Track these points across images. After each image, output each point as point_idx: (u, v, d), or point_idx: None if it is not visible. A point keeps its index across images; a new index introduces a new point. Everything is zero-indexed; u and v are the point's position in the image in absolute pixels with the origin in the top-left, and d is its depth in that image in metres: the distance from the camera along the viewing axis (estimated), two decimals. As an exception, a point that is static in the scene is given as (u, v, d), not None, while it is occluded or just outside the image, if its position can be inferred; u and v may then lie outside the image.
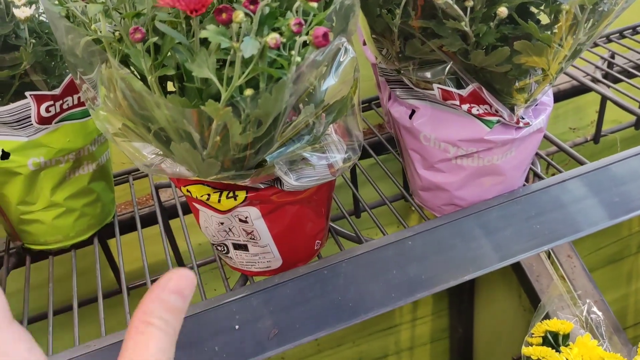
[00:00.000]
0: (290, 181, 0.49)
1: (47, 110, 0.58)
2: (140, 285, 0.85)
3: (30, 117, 0.57)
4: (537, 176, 0.65)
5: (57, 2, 0.46)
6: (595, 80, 0.85)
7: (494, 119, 0.52)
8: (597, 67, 0.90)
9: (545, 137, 0.67)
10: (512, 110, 0.52)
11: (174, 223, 0.81)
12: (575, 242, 0.90)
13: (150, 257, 0.68)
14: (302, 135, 0.47)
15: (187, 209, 0.65)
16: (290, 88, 0.38)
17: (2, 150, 0.58)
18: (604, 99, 0.86)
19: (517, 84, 0.49)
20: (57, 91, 0.58)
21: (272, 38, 0.35)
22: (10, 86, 0.56)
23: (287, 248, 0.58)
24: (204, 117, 0.39)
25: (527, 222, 0.60)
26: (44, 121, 0.58)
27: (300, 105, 0.43)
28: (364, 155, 0.79)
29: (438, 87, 0.51)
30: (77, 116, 0.60)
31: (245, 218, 0.54)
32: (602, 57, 0.91)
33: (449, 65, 0.50)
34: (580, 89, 0.94)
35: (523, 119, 0.53)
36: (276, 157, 0.45)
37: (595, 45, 0.93)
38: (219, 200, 0.52)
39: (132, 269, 0.88)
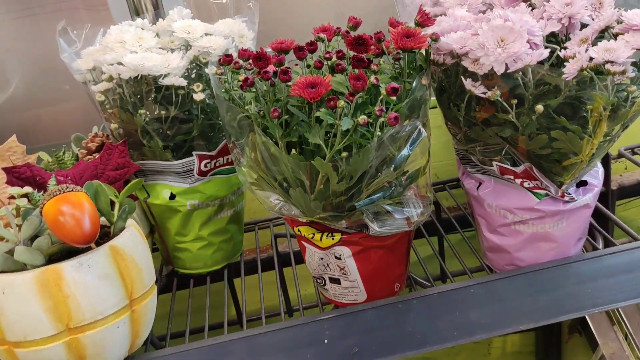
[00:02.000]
0: (374, 227, 0.65)
1: (205, 166, 0.79)
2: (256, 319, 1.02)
3: (193, 170, 0.79)
4: (594, 247, 0.75)
5: (224, 90, 0.67)
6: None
7: (543, 192, 0.65)
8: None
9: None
10: (559, 186, 0.65)
11: (286, 272, 0.97)
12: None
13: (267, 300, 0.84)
14: (385, 190, 0.63)
15: (298, 259, 0.81)
16: (373, 154, 0.55)
17: (171, 193, 0.80)
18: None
19: (560, 165, 0.62)
20: (213, 152, 0.79)
21: (362, 118, 0.52)
22: (183, 147, 0.78)
23: (371, 285, 0.72)
24: (314, 170, 0.57)
25: (580, 285, 0.70)
26: (202, 174, 0.79)
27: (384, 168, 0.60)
28: (452, 229, 0.93)
29: (497, 164, 0.66)
30: (224, 172, 0.81)
31: (340, 255, 0.70)
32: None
33: (505, 148, 0.64)
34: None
35: (569, 194, 0.65)
36: (363, 205, 0.61)
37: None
38: (321, 239, 0.68)
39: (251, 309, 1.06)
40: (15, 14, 1.12)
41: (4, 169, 0.70)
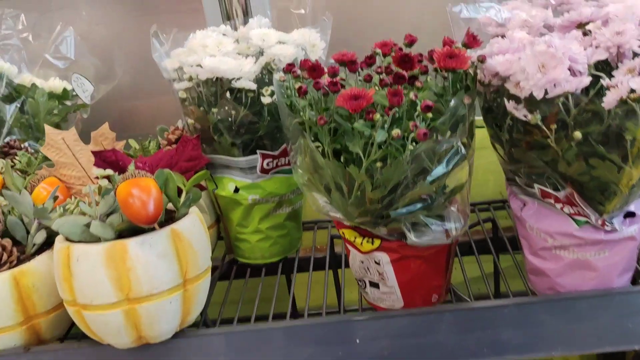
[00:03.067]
0: (411, 237, 0.68)
1: (267, 165, 0.86)
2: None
3: (256, 167, 0.85)
4: (641, 281, 0.73)
5: (286, 96, 0.73)
6: None
7: (583, 219, 0.65)
8: None
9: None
10: (600, 214, 0.64)
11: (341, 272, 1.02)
12: None
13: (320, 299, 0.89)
14: (424, 202, 0.66)
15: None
16: (406, 166, 0.58)
17: (236, 187, 0.87)
18: None
19: (601, 193, 0.62)
20: (276, 152, 0.85)
21: (395, 132, 0.56)
22: (249, 145, 0.85)
23: (408, 293, 0.75)
24: (351, 176, 0.61)
25: (621, 319, 0.69)
26: (264, 171, 0.86)
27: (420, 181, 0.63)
28: (505, 249, 0.93)
29: (539, 187, 0.66)
30: (285, 171, 0.87)
31: (379, 261, 0.73)
32: None
33: (547, 171, 0.65)
34: None
35: (611, 224, 0.65)
36: (399, 214, 0.65)
37: None
38: (362, 243, 0.72)
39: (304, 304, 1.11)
40: (130, 14, 1.26)
41: (93, 153, 0.80)
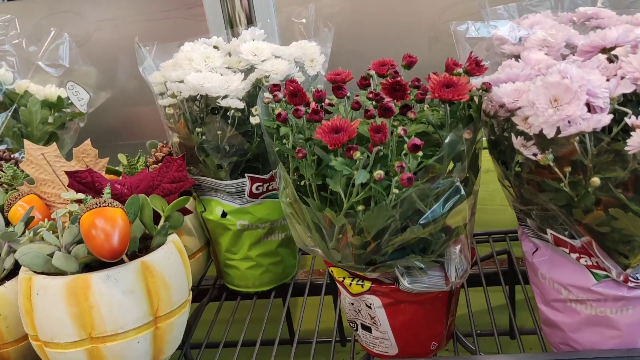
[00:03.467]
0: (404, 283, 0.60)
1: (256, 189, 0.79)
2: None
3: (244, 191, 0.78)
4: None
5: (271, 119, 0.66)
6: None
7: (602, 272, 0.56)
8: None
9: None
10: (623, 268, 0.55)
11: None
12: None
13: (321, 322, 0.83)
14: (422, 249, 0.58)
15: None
16: (390, 211, 0.50)
17: (223, 211, 0.80)
18: None
19: (624, 244, 0.53)
20: (266, 176, 0.78)
21: (378, 173, 0.48)
22: (237, 168, 0.78)
23: (403, 340, 0.67)
24: (331, 220, 0.53)
25: (645, 385, 0.60)
26: (253, 196, 0.79)
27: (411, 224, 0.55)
28: (519, 281, 0.85)
29: (551, 233, 0.58)
30: (276, 196, 0.80)
31: (370, 304, 0.65)
32: None
33: (561, 216, 0.56)
34: None
35: (635, 279, 0.56)
36: (387, 260, 0.57)
37: None
38: (350, 285, 0.65)
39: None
40: (130, 19, 1.20)
41: (67, 173, 0.74)
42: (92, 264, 0.65)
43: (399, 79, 0.52)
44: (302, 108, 0.56)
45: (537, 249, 0.63)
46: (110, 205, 0.63)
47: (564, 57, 0.64)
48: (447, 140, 0.50)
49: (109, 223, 0.62)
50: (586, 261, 0.56)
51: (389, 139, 0.48)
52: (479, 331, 0.78)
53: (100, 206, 0.63)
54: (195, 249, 0.85)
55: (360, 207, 0.51)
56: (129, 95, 1.28)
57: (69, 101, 1.05)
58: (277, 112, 0.58)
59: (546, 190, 0.54)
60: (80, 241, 0.66)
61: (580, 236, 0.56)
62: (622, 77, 0.49)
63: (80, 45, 1.15)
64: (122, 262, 0.64)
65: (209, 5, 1.04)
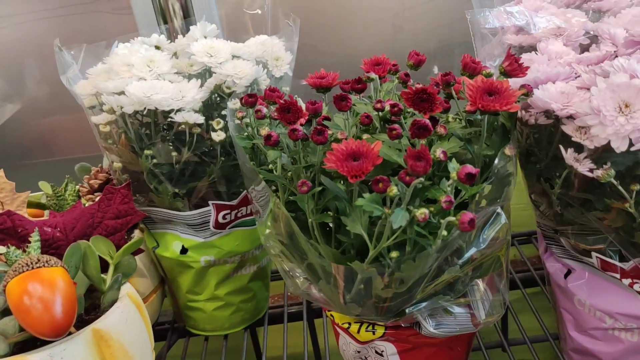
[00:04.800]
0: (429, 327, 0.50)
1: (223, 218, 0.65)
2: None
3: (209, 222, 0.65)
4: None
5: (246, 136, 0.53)
6: None
7: (659, 299, 0.48)
8: None
9: None
10: (683, 293, 0.48)
11: (318, 321, 0.83)
12: None
13: (294, 347, 0.71)
14: (447, 287, 0.48)
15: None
16: (434, 257, 0.39)
17: (183, 246, 0.67)
18: None
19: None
20: (234, 202, 0.65)
21: (422, 213, 0.37)
22: (198, 194, 0.64)
23: (419, 386, 0.57)
24: (351, 271, 0.42)
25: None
26: (219, 226, 0.66)
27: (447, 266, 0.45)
28: (512, 286, 0.77)
29: (597, 257, 0.49)
30: (248, 223, 0.67)
31: (382, 352, 0.55)
32: None
33: (611, 236, 0.47)
34: None
35: (695, 303, 0.48)
36: (415, 310, 0.46)
37: None
38: (358, 331, 0.54)
39: (275, 355, 0.93)
40: (36, 15, 1.01)
41: (-20, 219, 0.58)
42: (26, 341, 0.50)
43: (425, 87, 0.41)
44: (300, 128, 0.43)
45: (569, 272, 0.54)
46: (46, 264, 0.48)
47: (582, 47, 0.55)
48: (496, 162, 0.40)
49: (47, 289, 0.47)
50: (640, 287, 0.49)
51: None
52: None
53: (33, 267, 0.48)
54: (148, 291, 0.71)
55: (394, 254, 0.39)
56: (40, 105, 1.09)
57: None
58: (263, 132, 0.45)
59: (598, 209, 0.45)
60: (5, 313, 0.51)
61: (633, 258, 0.48)
62: (695, 73, 0.41)
63: (-24, 48, 0.96)
64: (67, 333, 0.50)
65: (136, -4, 0.88)
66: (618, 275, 0.49)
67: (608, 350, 0.54)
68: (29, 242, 0.56)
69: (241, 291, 0.71)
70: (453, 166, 0.37)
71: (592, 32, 0.55)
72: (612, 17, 0.55)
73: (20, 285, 0.47)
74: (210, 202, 0.64)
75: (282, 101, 0.45)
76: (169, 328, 0.78)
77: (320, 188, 0.44)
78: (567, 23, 0.55)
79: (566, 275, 0.55)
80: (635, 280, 0.48)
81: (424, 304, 0.46)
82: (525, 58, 0.51)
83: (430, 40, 0.91)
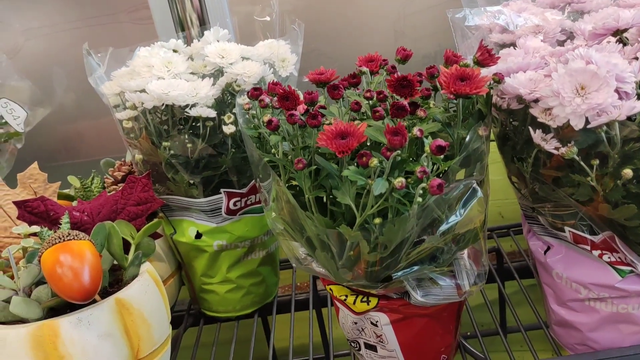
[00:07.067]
0: (417, 297, 0.55)
1: (234, 205, 0.71)
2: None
3: (221, 208, 0.71)
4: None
5: (252, 126, 0.59)
6: None
7: (627, 268, 0.53)
8: None
9: None
10: (648, 262, 0.52)
11: (326, 311, 0.89)
12: None
13: (303, 338, 0.76)
14: (431, 257, 0.53)
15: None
16: (412, 222, 0.45)
17: (197, 232, 0.73)
18: None
19: (651, 238, 0.50)
20: (244, 190, 0.71)
21: (399, 181, 0.43)
22: (211, 183, 0.71)
23: (413, 357, 0.62)
24: (342, 236, 0.47)
25: (670, 380, 0.58)
26: (230, 212, 0.72)
27: (428, 234, 0.50)
28: (510, 277, 0.82)
29: (570, 230, 0.54)
30: (256, 211, 0.73)
31: (376, 322, 0.60)
32: None
33: (581, 212, 0.52)
34: None
35: (661, 272, 0.53)
36: (401, 275, 0.51)
37: None
38: (354, 303, 0.59)
39: (286, 345, 0.98)
40: (63, 26, 1.10)
41: (15, 203, 0.64)
42: (57, 307, 0.56)
43: (405, 74, 0.47)
44: (297, 113, 0.49)
45: (548, 248, 0.59)
46: (75, 238, 0.55)
47: (560, 43, 0.60)
48: (468, 137, 0.45)
49: (76, 259, 0.53)
50: (609, 257, 0.53)
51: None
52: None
53: (64, 240, 0.54)
54: (167, 275, 0.77)
55: (377, 220, 0.45)
56: (67, 111, 1.16)
57: (3, 120, 0.94)
58: (265, 118, 0.52)
59: (567, 185, 0.50)
60: (40, 282, 0.57)
61: (602, 231, 0.52)
62: (645, 60, 0.46)
63: (10, 57, 1.04)
64: (93, 301, 0.56)
65: (156, 7, 0.95)
66: (589, 247, 0.54)
67: (586, 321, 0.59)
68: (60, 225, 0.63)
69: (251, 275, 0.77)
70: (427, 141, 0.43)
71: (568, 29, 0.61)
72: (587, 16, 0.60)
73: (53, 255, 0.53)
74: (222, 190, 0.70)
75: (281, 90, 0.51)
76: (185, 314, 0.84)
77: (315, 167, 0.50)
78: (544, 21, 0.61)
79: (546, 252, 0.59)
80: (604, 252, 0.53)
81: (410, 271, 0.51)
82: (503, 52, 0.56)
83: (430, 44, 0.96)
